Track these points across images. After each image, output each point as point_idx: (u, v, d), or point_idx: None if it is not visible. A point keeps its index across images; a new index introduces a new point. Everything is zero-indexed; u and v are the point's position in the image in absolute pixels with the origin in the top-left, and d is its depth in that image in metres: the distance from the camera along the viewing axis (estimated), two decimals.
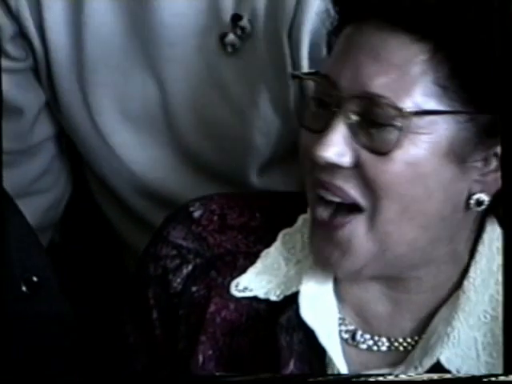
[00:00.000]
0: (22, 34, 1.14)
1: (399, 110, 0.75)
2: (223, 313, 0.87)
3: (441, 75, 0.76)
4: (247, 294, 0.86)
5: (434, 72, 0.76)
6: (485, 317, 0.82)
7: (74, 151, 1.21)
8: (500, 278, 0.81)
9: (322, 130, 0.78)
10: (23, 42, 1.14)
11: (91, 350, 1.08)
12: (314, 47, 1.04)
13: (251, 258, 0.87)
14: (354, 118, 0.77)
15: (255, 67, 1.08)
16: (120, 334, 0.92)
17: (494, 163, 0.79)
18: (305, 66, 1.06)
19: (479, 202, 0.79)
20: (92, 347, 1.08)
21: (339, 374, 0.82)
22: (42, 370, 0.99)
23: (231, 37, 1.07)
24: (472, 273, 0.83)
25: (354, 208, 0.80)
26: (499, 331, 0.79)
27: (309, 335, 0.84)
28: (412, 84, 0.76)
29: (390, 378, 0.77)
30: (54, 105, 1.17)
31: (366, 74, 0.76)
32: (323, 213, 0.81)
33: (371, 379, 0.77)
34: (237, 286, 0.86)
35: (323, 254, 0.81)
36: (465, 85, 0.76)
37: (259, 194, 1.00)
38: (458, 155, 0.78)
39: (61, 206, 1.25)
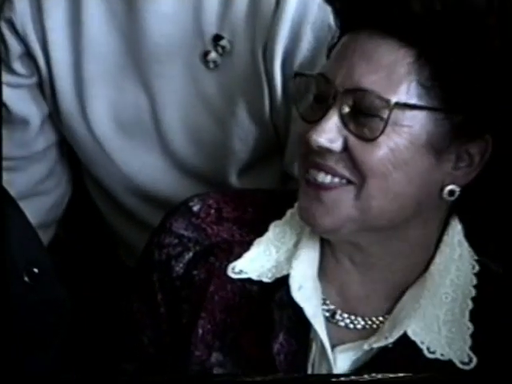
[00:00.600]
0: (28, 53, 1.23)
1: (386, 101, 0.85)
2: (221, 292, 0.96)
3: (423, 77, 0.86)
4: (242, 275, 0.94)
5: (417, 73, 0.86)
6: (446, 297, 0.92)
7: (73, 156, 1.29)
8: (460, 265, 0.93)
9: (317, 120, 0.87)
10: (29, 60, 1.23)
11: (89, 331, 1.18)
12: (285, 63, 1.13)
13: (245, 246, 0.96)
14: (347, 109, 0.86)
15: (234, 81, 1.17)
16: (127, 313, 1.00)
17: (465, 160, 0.89)
18: (278, 80, 1.15)
19: (451, 192, 0.89)
20: (90, 329, 1.18)
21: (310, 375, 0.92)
22: (42, 352, 1.08)
23: (213, 55, 1.15)
24: (437, 259, 0.93)
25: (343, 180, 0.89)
26: (457, 310, 0.90)
27: (297, 312, 0.92)
28: (398, 82, 0.85)
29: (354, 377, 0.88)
30: (55, 116, 1.26)
31: (359, 72, 0.86)
32: (317, 177, 0.90)
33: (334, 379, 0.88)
34: (233, 269, 0.94)
35: (310, 209, 0.90)
36: (443, 86, 0.85)
37: (251, 191, 1.08)
38: (435, 148, 0.87)
39: (63, 204, 1.33)
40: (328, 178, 0.88)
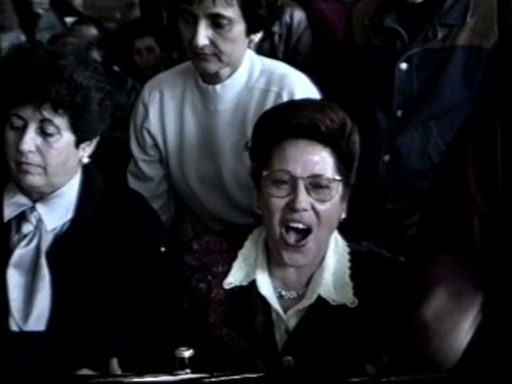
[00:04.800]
0: (155, 145, 2.01)
1: (331, 179, 1.51)
2: (218, 296, 1.58)
3: (339, 164, 1.52)
4: (232, 285, 1.57)
5: (335, 162, 1.52)
6: (335, 271, 1.54)
7: (176, 197, 2.08)
8: (340, 252, 1.56)
9: (287, 195, 1.49)
10: (156, 148, 2.02)
11: None
12: None
13: (225, 266, 1.58)
14: (308, 186, 1.49)
15: None
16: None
17: (346, 199, 1.56)
18: None
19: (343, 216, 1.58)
20: None
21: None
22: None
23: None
24: (329, 251, 1.57)
25: (307, 231, 1.49)
26: (342, 276, 1.53)
27: (263, 299, 1.54)
28: (330, 167, 1.51)
29: None
30: (168, 175, 2.03)
31: (312, 164, 1.50)
32: (291, 239, 1.50)
33: None
34: (227, 284, 1.56)
35: (295, 259, 1.51)
36: (339, 167, 1.54)
37: (225, 230, 1.71)
38: (344, 197, 1.54)
39: (168, 221, 2.09)
40: (301, 225, 1.49)
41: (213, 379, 1.25)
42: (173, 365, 1.32)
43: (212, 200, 1.98)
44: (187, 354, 1.33)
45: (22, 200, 1.71)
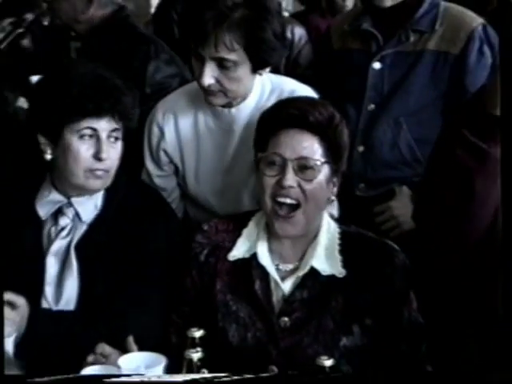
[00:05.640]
0: (171, 161, 2.15)
1: (317, 160, 1.71)
2: (224, 267, 1.80)
3: (326, 151, 1.73)
4: (235, 258, 1.79)
5: (323, 149, 1.73)
6: (326, 246, 1.75)
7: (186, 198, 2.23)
8: (331, 230, 1.78)
9: (277, 175, 1.71)
10: (171, 164, 2.16)
11: None
12: None
13: (231, 243, 1.80)
14: (296, 167, 1.70)
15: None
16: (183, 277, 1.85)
17: (335, 183, 1.77)
18: None
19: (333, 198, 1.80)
20: None
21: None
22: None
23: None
24: (322, 231, 1.79)
25: (296, 206, 1.70)
26: (332, 251, 1.75)
27: (263, 269, 1.76)
28: (317, 152, 1.72)
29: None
30: (184, 187, 2.18)
31: (300, 149, 1.70)
32: (281, 211, 1.71)
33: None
34: (231, 256, 1.79)
35: (285, 229, 1.73)
36: (326, 154, 1.73)
37: (231, 216, 1.91)
38: (330, 180, 1.75)
39: (179, 212, 2.22)
40: (288, 200, 1.70)
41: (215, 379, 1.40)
42: (184, 344, 1.53)
43: (225, 208, 2.12)
44: (198, 334, 1.53)
45: (58, 197, 1.94)
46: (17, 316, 1.73)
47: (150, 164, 2.18)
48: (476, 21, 2.29)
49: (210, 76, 1.89)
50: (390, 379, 1.56)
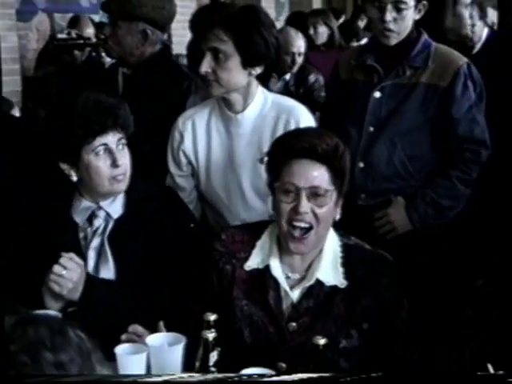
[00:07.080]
0: (188, 162, 2.54)
1: (327, 189, 1.90)
2: (240, 276, 2.03)
3: (333, 177, 1.92)
4: (251, 268, 2.02)
5: (331, 176, 1.91)
6: (330, 260, 1.97)
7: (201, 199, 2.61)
8: (333, 243, 2.01)
9: (292, 201, 1.89)
10: (189, 165, 2.54)
11: None
12: None
13: (246, 253, 2.02)
14: (309, 195, 1.90)
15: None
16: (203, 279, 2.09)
17: (339, 205, 2.01)
18: None
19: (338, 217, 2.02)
20: None
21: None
22: None
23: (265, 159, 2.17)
24: (326, 244, 2.00)
25: (309, 229, 1.88)
26: (335, 263, 1.98)
27: (275, 280, 1.98)
28: (326, 180, 1.90)
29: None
30: (198, 185, 2.56)
31: (312, 178, 1.88)
32: (296, 233, 1.88)
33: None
34: (247, 266, 2.01)
35: (299, 248, 1.91)
36: (333, 180, 1.92)
37: (245, 226, 2.13)
38: (337, 203, 1.96)
39: (197, 212, 2.62)
40: (303, 224, 1.89)
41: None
42: (201, 326, 1.77)
43: (234, 203, 2.51)
44: (212, 317, 1.78)
45: (89, 204, 2.27)
46: (74, 274, 2.04)
47: (172, 165, 2.56)
48: (462, 59, 2.66)
49: (206, 65, 2.31)
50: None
